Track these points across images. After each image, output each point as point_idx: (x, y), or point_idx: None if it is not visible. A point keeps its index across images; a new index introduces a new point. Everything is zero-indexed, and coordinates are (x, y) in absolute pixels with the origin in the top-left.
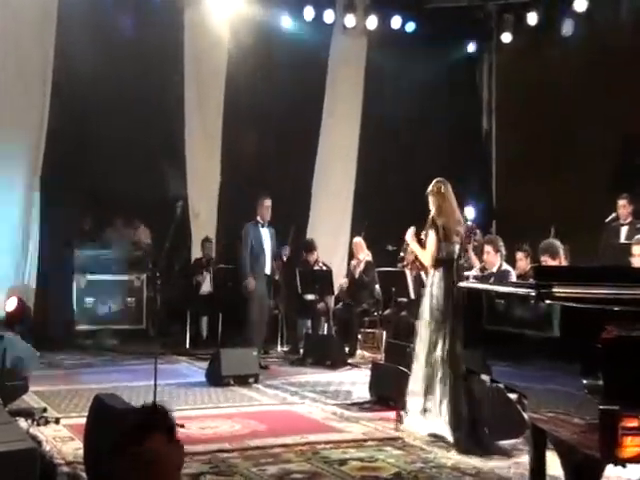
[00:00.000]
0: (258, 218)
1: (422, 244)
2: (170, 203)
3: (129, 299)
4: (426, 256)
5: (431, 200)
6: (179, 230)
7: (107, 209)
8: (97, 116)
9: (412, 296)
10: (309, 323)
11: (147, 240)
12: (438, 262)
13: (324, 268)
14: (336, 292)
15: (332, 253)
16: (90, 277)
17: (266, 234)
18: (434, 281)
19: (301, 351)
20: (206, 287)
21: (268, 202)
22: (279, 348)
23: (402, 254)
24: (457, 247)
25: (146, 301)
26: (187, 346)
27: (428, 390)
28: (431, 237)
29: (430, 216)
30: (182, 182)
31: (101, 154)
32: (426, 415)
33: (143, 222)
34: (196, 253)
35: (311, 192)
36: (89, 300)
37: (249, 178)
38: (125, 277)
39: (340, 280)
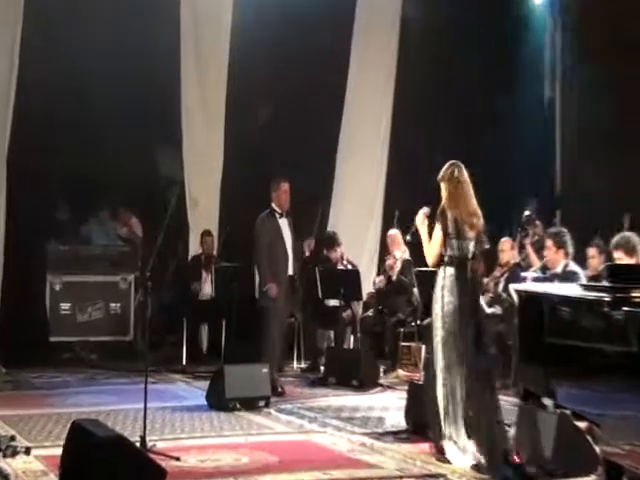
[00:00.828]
0: (274, 206)
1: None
2: (163, 189)
3: (114, 305)
4: (428, 251)
5: (442, 187)
6: (174, 222)
7: (87, 196)
8: (74, 88)
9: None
10: (332, 334)
11: (139, 231)
12: (447, 261)
13: (350, 267)
14: (365, 297)
15: (359, 249)
16: (66, 278)
17: (285, 226)
18: (445, 284)
19: (322, 368)
20: (206, 290)
21: (285, 186)
22: (295, 364)
23: (408, 237)
24: (471, 244)
25: (134, 307)
26: (184, 362)
27: (447, 413)
28: (436, 231)
29: (440, 206)
30: (177, 164)
31: (80, 131)
32: (459, 444)
33: (133, 211)
34: (194, 249)
35: (334, 175)
36: (65, 306)
37: (259, 159)
38: (109, 278)
39: (369, 282)
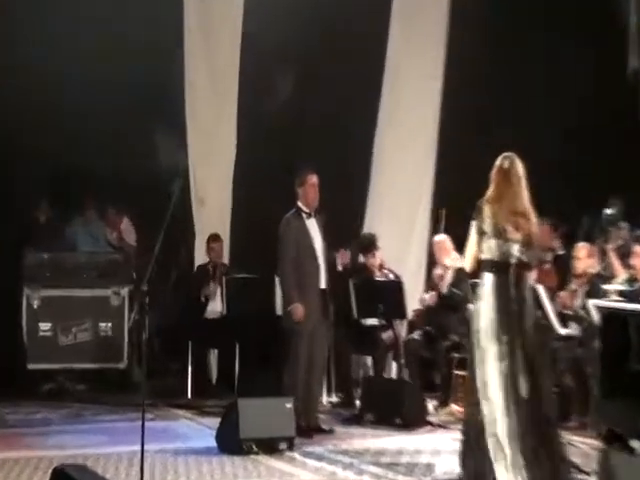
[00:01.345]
0: (300, 205)
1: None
2: (163, 184)
3: (104, 325)
4: (465, 255)
5: (492, 180)
6: (176, 223)
7: (72, 193)
8: (54, 64)
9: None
10: (369, 361)
11: (131, 239)
12: (484, 265)
13: (391, 278)
14: (410, 315)
15: (402, 257)
16: (46, 292)
17: (314, 228)
18: (482, 293)
19: (357, 403)
20: (215, 306)
21: (314, 179)
22: (325, 398)
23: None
24: (515, 247)
25: (129, 328)
26: (189, 394)
27: (497, 458)
28: (471, 231)
29: (479, 202)
30: (181, 154)
31: (63, 116)
32: None
33: (125, 212)
34: (201, 257)
35: (370, 167)
36: (45, 326)
37: (280, 146)
38: (98, 292)
39: (414, 297)
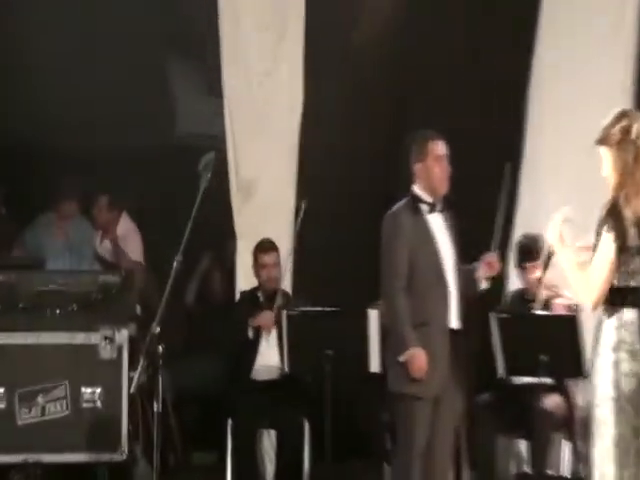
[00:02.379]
0: (417, 191)
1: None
2: (185, 164)
3: (89, 391)
4: (582, 282)
5: (605, 157)
6: (207, 226)
7: (36, 177)
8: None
9: None
10: (524, 447)
11: (135, 249)
12: (622, 297)
13: (560, 303)
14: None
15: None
16: None
17: (441, 229)
18: (620, 338)
19: None
20: (269, 359)
21: (441, 147)
22: None
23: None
24: None
25: (130, 395)
26: None
27: None
28: (605, 242)
29: (608, 199)
30: (210, 117)
31: (31, 73)
32: None
33: (125, 205)
34: (245, 280)
35: (522, 142)
36: None
37: (378, 104)
38: (79, 338)
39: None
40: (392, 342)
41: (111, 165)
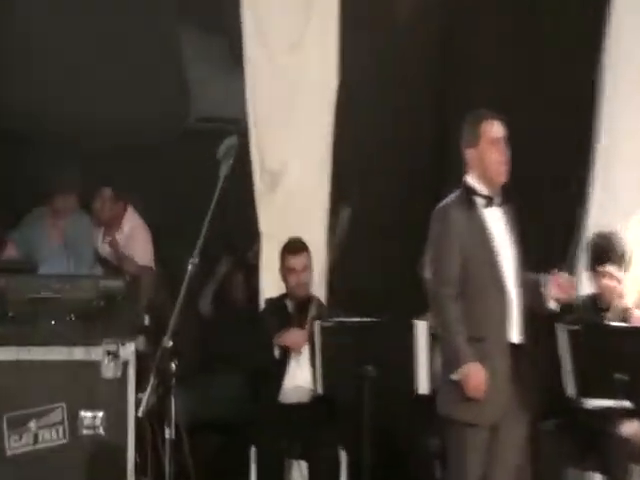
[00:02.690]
0: (471, 181)
1: None
2: (202, 150)
3: (89, 415)
4: None
5: None
6: (225, 219)
7: (34, 165)
8: None
9: None
10: None
11: (142, 251)
12: None
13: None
14: None
15: None
16: None
17: (499, 226)
18: None
19: None
20: (299, 379)
21: (497, 128)
22: None
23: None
24: None
25: (137, 420)
26: None
27: None
28: None
29: None
30: (230, 91)
31: (31, 51)
32: None
33: (131, 198)
34: (271, 283)
35: (598, 123)
36: None
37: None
38: (78, 353)
39: None
40: (443, 358)
41: (116, 153)
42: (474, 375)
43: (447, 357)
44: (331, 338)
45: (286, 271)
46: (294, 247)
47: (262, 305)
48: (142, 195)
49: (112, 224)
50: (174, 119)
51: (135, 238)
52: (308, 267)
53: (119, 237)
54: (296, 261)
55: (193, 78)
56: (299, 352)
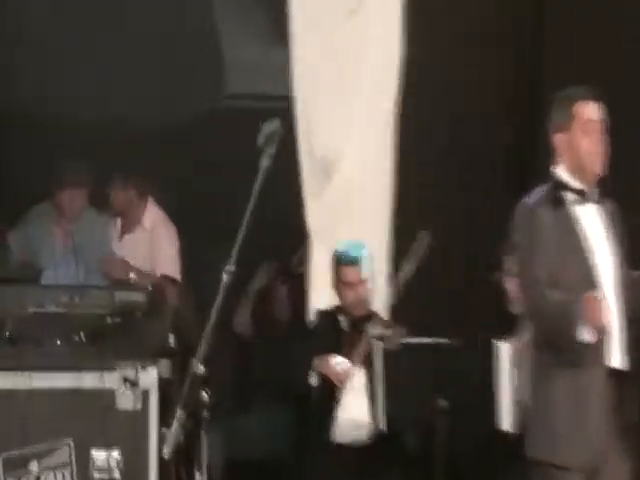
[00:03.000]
0: (560, 173)
1: None
2: (235, 128)
3: (102, 455)
4: None
5: None
6: (266, 220)
7: (39, 155)
8: None
9: None
10: None
11: (167, 257)
12: None
13: None
14: None
15: None
16: None
17: (596, 227)
18: None
19: None
20: (355, 411)
21: (592, 109)
22: None
23: None
24: None
25: (160, 460)
26: None
27: None
28: None
29: None
30: (273, 65)
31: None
32: None
33: (152, 192)
34: (322, 300)
35: None
36: None
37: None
38: (89, 381)
39: None
40: (535, 381)
41: (136, 139)
42: (591, 300)
43: (564, 337)
44: (395, 363)
45: (341, 284)
46: (350, 255)
47: (311, 319)
48: (164, 187)
49: (130, 218)
50: (206, 97)
51: (159, 238)
52: (367, 279)
53: (140, 235)
54: (353, 273)
55: (228, 49)
56: (343, 386)
